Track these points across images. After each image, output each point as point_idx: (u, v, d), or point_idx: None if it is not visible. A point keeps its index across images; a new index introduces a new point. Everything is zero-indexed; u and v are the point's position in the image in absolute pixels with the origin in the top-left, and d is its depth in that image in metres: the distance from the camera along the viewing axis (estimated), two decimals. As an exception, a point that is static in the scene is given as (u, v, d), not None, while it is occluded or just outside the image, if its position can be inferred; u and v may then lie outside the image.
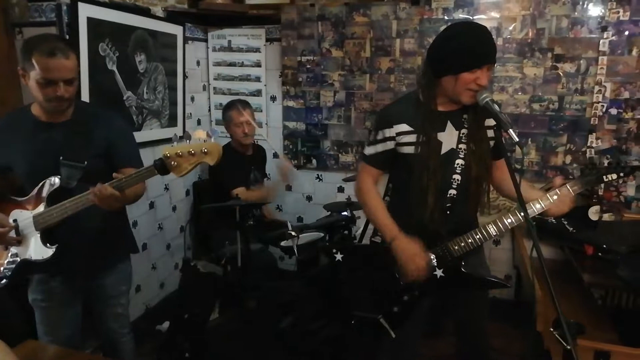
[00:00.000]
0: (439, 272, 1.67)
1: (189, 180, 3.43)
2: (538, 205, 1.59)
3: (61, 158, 1.68)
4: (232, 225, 2.29)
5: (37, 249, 1.68)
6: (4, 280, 1.69)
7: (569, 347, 1.17)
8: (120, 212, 1.95)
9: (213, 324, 2.35)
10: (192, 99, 3.40)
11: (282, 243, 2.50)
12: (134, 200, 1.84)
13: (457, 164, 1.66)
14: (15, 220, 1.70)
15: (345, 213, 2.76)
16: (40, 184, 1.68)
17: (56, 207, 1.64)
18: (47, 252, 1.66)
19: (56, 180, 1.67)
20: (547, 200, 1.59)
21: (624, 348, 1.72)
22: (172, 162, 1.50)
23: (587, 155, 2.86)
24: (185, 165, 1.50)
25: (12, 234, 1.69)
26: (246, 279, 2.37)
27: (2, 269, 1.70)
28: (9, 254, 1.71)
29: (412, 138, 1.64)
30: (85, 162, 1.69)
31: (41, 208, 1.67)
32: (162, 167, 1.52)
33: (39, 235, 1.67)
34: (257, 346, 2.34)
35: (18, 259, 1.70)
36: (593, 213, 2.50)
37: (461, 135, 1.65)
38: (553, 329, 1.21)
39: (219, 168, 2.95)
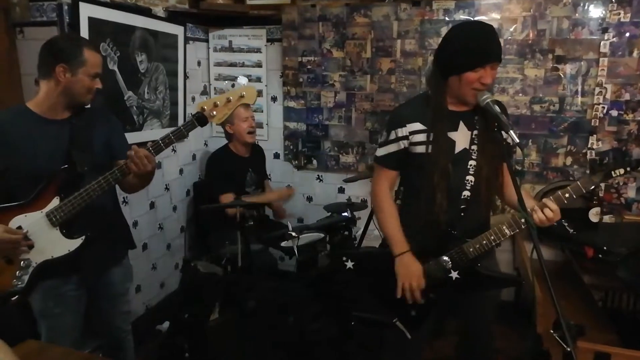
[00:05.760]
0: (454, 274, 1.65)
1: (189, 180, 3.43)
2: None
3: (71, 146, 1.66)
4: (232, 225, 2.29)
5: (59, 245, 1.63)
6: (16, 297, 1.62)
7: (569, 349, 1.17)
8: (117, 206, 1.97)
9: (213, 324, 2.34)
10: (193, 99, 3.40)
11: (282, 244, 2.50)
12: (147, 182, 1.84)
13: (470, 165, 1.64)
14: (19, 227, 1.60)
15: (345, 214, 2.75)
16: (47, 178, 1.61)
17: (77, 195, 1.59)
18: (74, 243, 1.64)
19: (66, 166, 1.62)
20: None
21: (624, 350, 1.71)
22: (212, 113, 1.63)
23: (588, 157, 2.86)
24: (224, 111, 1.63)
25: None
26: (246, 279, 2.37)
27: (13, 281, 1.61)
28: (20, 264, 1.62)
29: (424, 137, 1.63)
30: (95, 150, 1.71)
31: (55, 202, 1.61)
32: (201, 118, 1.63)
33: (57, 230, 1.63)
34: (256, 347, 2.34)
35: (32, 266, 1.63)
36: (593, 215, 2.50)
37: (473, 136, 1.64)
38: (553, 330, 1.21)
39: (212, 171, 2.97)
